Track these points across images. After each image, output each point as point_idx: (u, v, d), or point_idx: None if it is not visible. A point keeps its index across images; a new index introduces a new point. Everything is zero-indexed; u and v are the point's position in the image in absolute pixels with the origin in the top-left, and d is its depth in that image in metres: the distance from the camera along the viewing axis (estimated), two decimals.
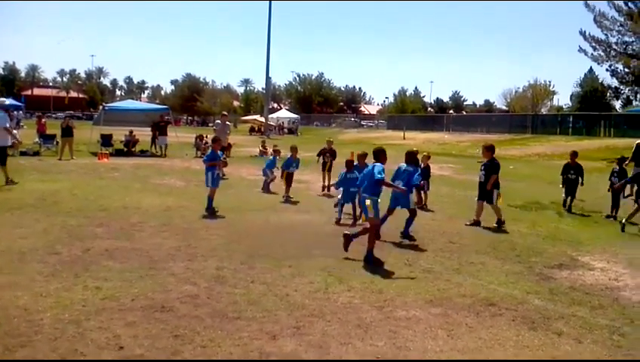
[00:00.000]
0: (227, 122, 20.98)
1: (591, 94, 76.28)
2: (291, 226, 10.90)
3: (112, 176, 18.20)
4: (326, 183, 16.19)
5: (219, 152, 13.09)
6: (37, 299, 6.19)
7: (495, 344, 5.48)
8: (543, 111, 79.20)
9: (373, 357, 5.04)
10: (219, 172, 12.64)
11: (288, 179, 14.96)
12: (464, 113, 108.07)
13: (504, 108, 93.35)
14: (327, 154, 16.71)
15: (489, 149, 11.92)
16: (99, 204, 12.50)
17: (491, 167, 11.63)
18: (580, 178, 14.19)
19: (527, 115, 64.09)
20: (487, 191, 11.50)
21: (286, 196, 14.59)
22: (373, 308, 6.36)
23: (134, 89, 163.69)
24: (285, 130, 71.65)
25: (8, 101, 21.43)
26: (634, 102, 49.10)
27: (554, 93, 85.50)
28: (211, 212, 11.84)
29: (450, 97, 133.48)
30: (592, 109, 62.85)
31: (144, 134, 30.55)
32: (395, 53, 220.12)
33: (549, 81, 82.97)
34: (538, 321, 6.15)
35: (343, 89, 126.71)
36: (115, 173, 18.79)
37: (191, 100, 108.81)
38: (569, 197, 14.23)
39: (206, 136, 31.08)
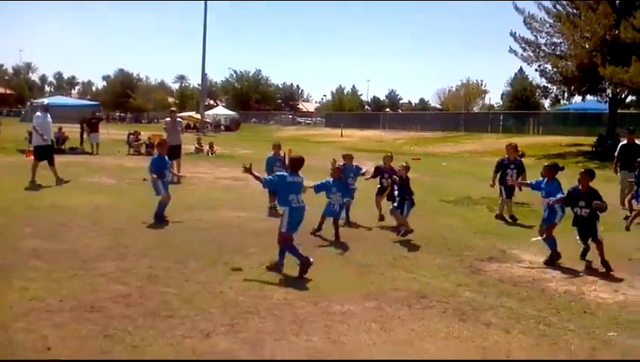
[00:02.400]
0: (178, 119, 19.69)
1: (521, 93, 78.83)
2: (227, 224, 10.80)
3: (41, 174, 17.53)
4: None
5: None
6: None
7: (426, 335, 5.60)
8: (475, 109, 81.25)
9: (309, 350, 5.07)
10: (169, 178, 11.29)
11: None
12: (400, 111, 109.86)
13: (438, 106, 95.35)
14: (387, 175, 11.74)
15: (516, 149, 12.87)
16: (27, 203, 12.07)
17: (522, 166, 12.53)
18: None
19: (460, 114, 65.68)
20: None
21: (271, 205, 12.25)
22: (309, 304, 6.39)
23: (64, 85, 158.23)
24: (222, 128, 70.83)
25: (47, 101, 21.09)
26: (562, 101, 51.11)
27: (485, 92, 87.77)
28: (161, 219, 10.69)
29: (386, 96, 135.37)
30: (522, 108, 65.04)
31: (74, 131, 29.64)
32: (334, 52, 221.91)
33: (481, 81, 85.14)
34: (468, 313, 6.32)
35: (280, 86, 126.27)
36: (44, 171, 18.12)
37: (124, 96, 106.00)
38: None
39: (139, 133, 30.44)
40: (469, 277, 7.86)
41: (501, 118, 58.82)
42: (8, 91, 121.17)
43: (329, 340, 5.33)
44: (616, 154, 14.92)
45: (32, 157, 20.55)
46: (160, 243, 9.00)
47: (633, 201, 12.94)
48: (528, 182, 10.38)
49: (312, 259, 7.59)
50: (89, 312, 5.84)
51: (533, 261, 8.93)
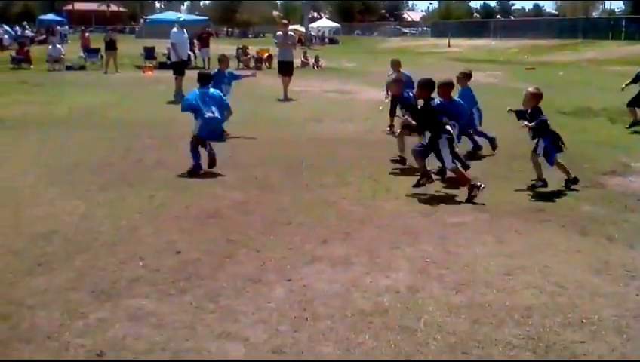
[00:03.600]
0: (289, 33, 18.21)
1: None
2: (336, 137, 10.88)
3: (157, 89, 18.32)
4: None
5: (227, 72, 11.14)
6: (93, 208, 6.43)
7: (545, 248, 5.45)
8: (595, 15, 75.59)
9: (423, 260, 5.11)
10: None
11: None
12: (512, 18, 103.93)
13: (554, 12, 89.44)
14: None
15: None
16: (146, 116, 12.71)
17: None
18: None
19: (578, 19, 61.15)
20: None
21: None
22: (421, 215, 6.39)
23: (174, 1, 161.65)
24: (326, 40, 70.36)
25: (183, 17, 22.53)
26: None
27: None
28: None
29: (497, 2, 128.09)
30: None
31: None
32: None
33: None
34: (589, 227, 6.07)
35: None
36: (160, 86, 18.88)
37: (229, 12, 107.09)
38: None
39: (247, 48, 30.79)
40: (589, 190, 7.49)
41: (623, 23, 54.21)
42: (121, 9, 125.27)
43: (444, 251, 5.33)
44: None
45: (150, 72, 21.55)
46: (274, 154, 9.25)
47: None
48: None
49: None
50: (212, 218, 6.17)
51: None
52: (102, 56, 26.01)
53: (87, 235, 5.61)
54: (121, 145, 9.77)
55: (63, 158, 8.79)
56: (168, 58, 28.34)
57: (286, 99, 16.47)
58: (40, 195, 6.92)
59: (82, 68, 25.53)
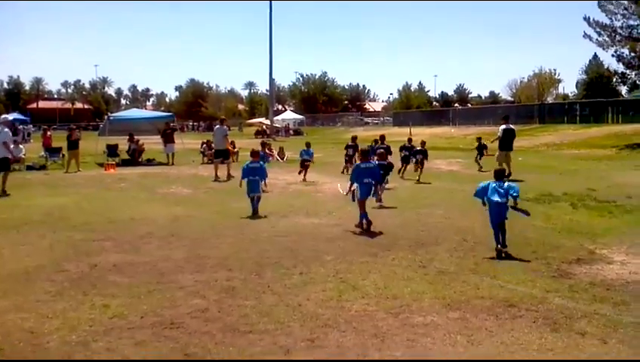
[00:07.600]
0: (224, 126, 22.40)
1: (597, 80, 75.86)
2: (300, 231, 10.69)
3: (119, 186, 18.10)
4: None
5: None
6: (43, 321, 6.04)
7: (517, 348, 5.26)
8: (549, 100, 78.78)
9: None
10: None
11: None
12: (469, 106, 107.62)
13: (510, 99, 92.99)
14: None
15: None
16: (106, 216, 12.36)
17: None
18: None
19: (534, 105, 63.57)
20: None
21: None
22: (389, 315, 6.16)
23: (139, 97, 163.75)
24: (291, 132, 71.61)
25: (11, 116, 22.43)
26: None
27: (559, 81, 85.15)
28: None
29: (454, 90, 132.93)
30: (598, 96, 62.38)
31: (149, 143, 30.49)
32: (398, 49, 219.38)
33: (554, 70, 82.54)
34: (560, 321, 5.93)
35: (346, 87, 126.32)
36: (122, 184, 18.68)
37: (196, 106, 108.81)
38: None
39: (212, 142, 30.91)
40: (557, 281, 7.42)
41: (577, 107, 56.52)
42: (86, 106, 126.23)
43: (414, 355, 5.08)
44: None
45: (112, 170, 21.44)
46: (236, 254, 8.98)
47: None
48: None
49: None
50: (169, 329, 5.82)
51: (625, 261, 8.39)
52: (63, 155, 25.78)
53: (34, 352, 5.23)
54: (78, 249, 9.38)
55: (14, 264, 8.37)
56: (132, 155, 28.34)
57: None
58: None
59: (43, 167, 25.16)
